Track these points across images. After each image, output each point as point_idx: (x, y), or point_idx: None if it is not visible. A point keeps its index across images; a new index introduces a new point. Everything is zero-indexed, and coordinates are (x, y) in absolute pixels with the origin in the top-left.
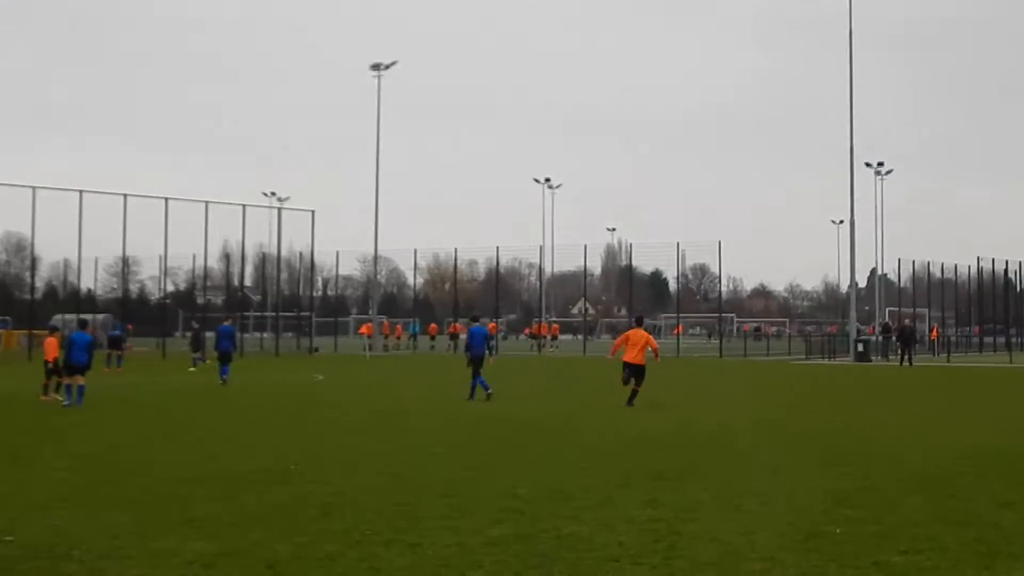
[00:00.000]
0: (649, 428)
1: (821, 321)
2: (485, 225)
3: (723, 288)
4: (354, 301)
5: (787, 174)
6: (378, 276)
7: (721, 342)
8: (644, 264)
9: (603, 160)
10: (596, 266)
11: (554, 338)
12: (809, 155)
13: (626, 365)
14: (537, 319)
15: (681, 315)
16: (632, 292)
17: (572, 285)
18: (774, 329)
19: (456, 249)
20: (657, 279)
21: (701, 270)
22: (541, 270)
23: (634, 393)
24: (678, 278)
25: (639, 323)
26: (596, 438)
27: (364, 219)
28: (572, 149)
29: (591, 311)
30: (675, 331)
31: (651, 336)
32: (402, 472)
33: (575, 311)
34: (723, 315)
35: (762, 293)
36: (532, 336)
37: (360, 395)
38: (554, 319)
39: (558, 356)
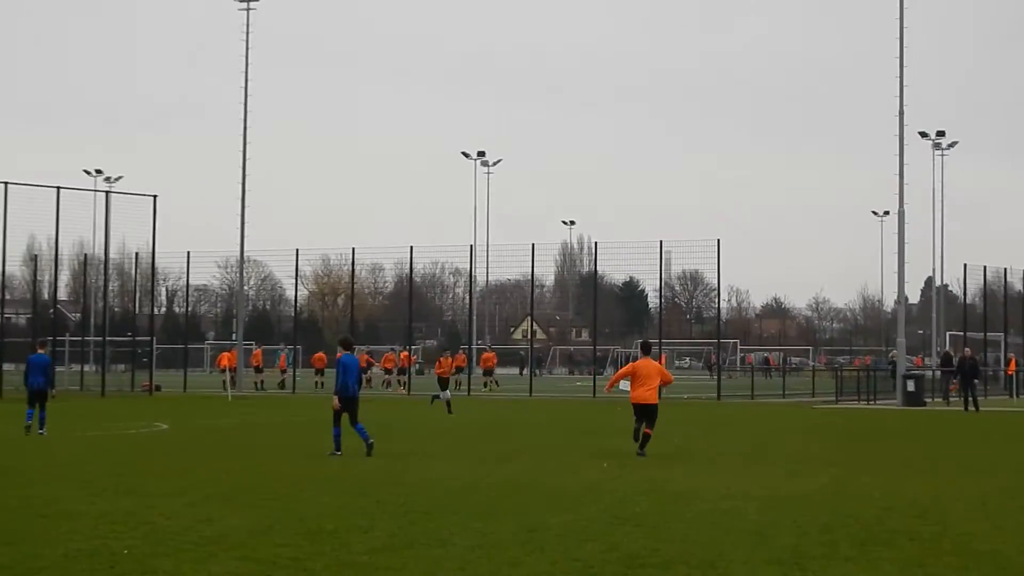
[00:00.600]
0: (626, 503)
1: (857, 349)
2: (395, 218)
3: (723, 304)
4: (212, 321)
5: (811, 151)
6: (245, 287)
7: (719, 378)
8: (614, 271)
9: (557, 130)
10: (548, 273)
11: (488, 372)
12: (842, 126)
13: (635, 406)
14: (464, 346)
15: (665, 341)
16: (597, 309)
17: (515, 300)
18: (796, 360)
19: (354, 249)
20: (632, 291)
21: (692, 279)
22: (471, 279)
23: (645, 437)
24: (661, 290)
25: (647, 351)
26: (544, 514)
27: (228, 209)
28: (514, 115)
29: (541, 335)
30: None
31: (665, 368)
32: None
33: (518, 335)
34: (723, 341)
35: (776, 311)
36: (440, 378)
37: (211, 456)
38: (489, 346)
39: (495, 397)
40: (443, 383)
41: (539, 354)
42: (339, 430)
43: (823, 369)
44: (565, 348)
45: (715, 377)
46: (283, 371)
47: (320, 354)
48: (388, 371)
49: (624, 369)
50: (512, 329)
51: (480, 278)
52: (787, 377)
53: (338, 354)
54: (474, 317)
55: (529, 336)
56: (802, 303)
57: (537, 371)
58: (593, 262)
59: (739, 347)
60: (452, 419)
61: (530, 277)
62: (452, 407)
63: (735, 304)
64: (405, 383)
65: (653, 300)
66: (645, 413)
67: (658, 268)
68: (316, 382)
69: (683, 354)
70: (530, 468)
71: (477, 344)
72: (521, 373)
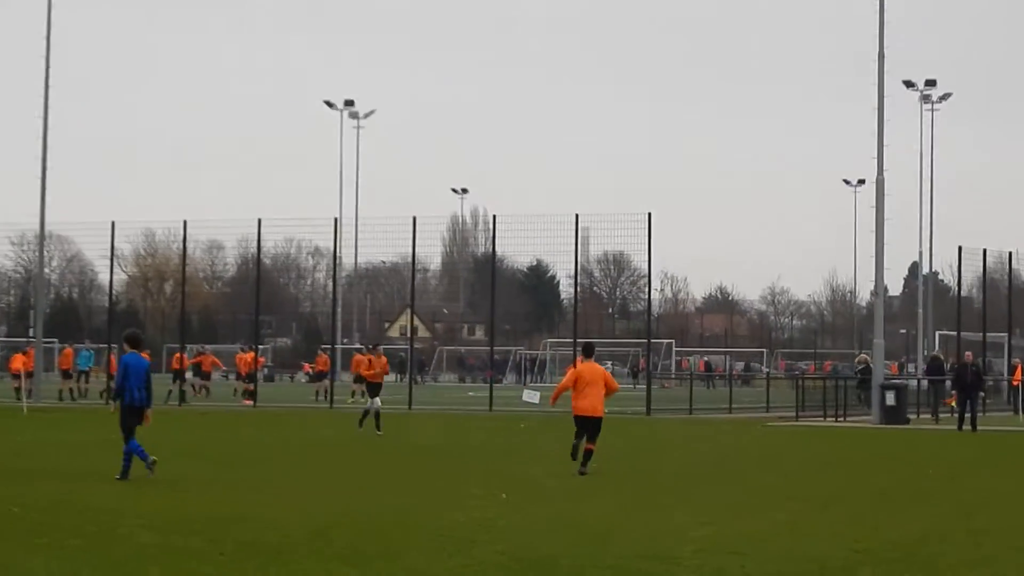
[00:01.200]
0: (530, 545)
1: (824, 352)
2: (239, 185)
3: (655, 295)
4: (2, 313)
5: (770, 102)
6: (46, 269)
7: (649, 388)
8: (517, 252)
9: (446, 77)
10: (434, 255)
11: (361, 379)
12: (806, 75)
13: (578, 419)
14: (325, 347)
15: (582, 342)
16: (495, 300)
17: (391, 287)
18: (745, 366)
19: (185, 223)
20: (540, 278)
21: (617, 263)
22: (336, 260)
23: (587, 454)
24: (576, 276)
25: (589, 354)
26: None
27: (24, 171)
28: (391, 57)
29: (424, 332)
30: (570, 367)
31: (609, 373)
32: None
33: (395, 332)
34: (654, 341)
35: (722, 304)
36: (370, 384)
37: None
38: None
39: (348, 409)
40: (374, 390)
41: (421, 356)
42: (133, 447)
43: (780, 377)
44: (454, 349)
45: (644, 386)
46: (67, 373)
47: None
48: (242, 377)
49: (567, 377)
50: (387, 325)
51: (347, 259)
52: (735, 387)
53: (121, 353)
54: (339, 309)
55: (409, 334)
56: (755, 294)
57: (418, 377)
58: (490, 240)
59: (675, 349)
60: (312, 440)
61: (411, 259)
62: (382, 424)
63: (670, 295)
64: (251, 392)
65: (567, 289)
66: (589, 426)
67: (573, 249)
68: (169, 391)
69: (604, 358)
70: (409, 499)
71: (344, 343)
72: (400, 380)
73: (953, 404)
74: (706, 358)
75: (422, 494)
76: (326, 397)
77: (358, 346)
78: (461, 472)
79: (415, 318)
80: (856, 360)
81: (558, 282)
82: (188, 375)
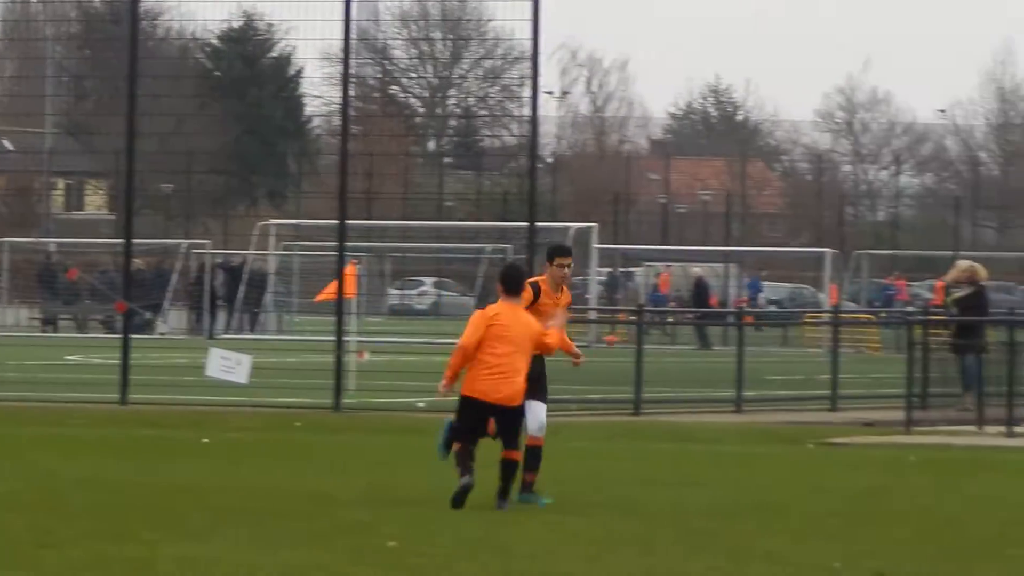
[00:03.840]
0: None
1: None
2: None
3: (545, 103)
4: None
5: None
6: None
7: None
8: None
9: None
10: None
11: None
12: None
13: (477, 407)
14: None
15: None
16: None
17: None
18: (767, 292)
19: None
20: (251, 63)
21: (456, 30)
22: None
23: (509, 467)
24: (347, 56)
25: (512, 287)
26: None
27: None
28: None
29: None
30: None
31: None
32: None
33: None
34: (548, 225)
35: (715, 130)
36: None
37: None
38: None
39: None
40: None
41: None
42: None
43: (864, 318)
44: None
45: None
46: None
47: None
48: None
49: (471, 330)
50: None
51: None
52: (752, 344)
53: None
54: None
55: None
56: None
57: None
58: None
59: (621, 248)
60: None
61: None
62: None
63: (590, 111)
64: None
65: (321, 89)
66: (502, 421)
67: None
68: None
69: (424, 268)
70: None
71: None
72: None
73: None
74: (696, 267)
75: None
76: None
77: None
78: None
79: None
80: (950, 278)
81: (298, 72)
82: None
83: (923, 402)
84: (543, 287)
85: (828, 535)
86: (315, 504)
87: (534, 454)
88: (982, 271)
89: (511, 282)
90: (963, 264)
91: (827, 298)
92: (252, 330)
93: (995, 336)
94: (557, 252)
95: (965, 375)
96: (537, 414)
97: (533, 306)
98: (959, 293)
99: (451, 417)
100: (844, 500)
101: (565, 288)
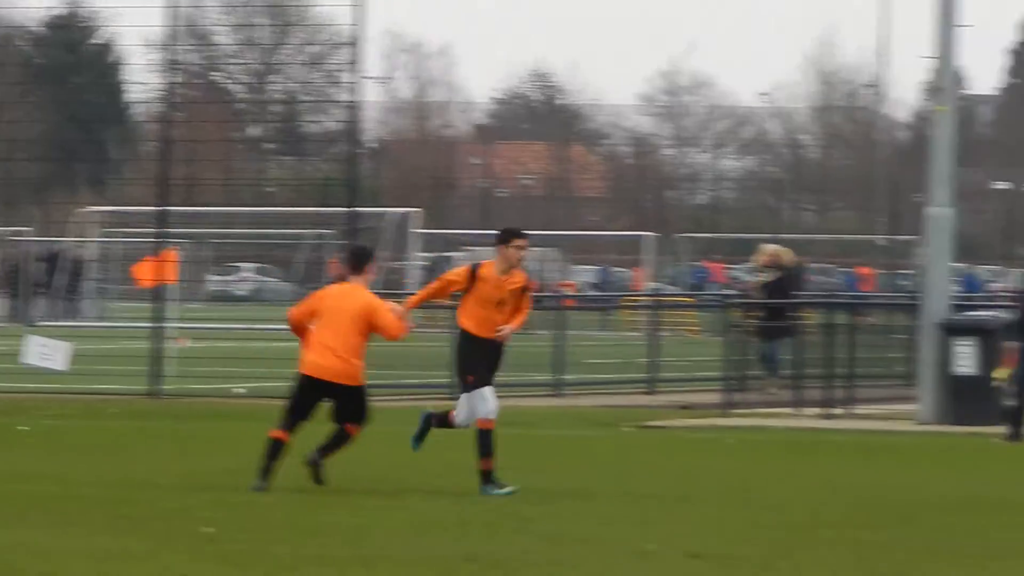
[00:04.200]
0: None
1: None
2: None
3: (370, 82)
4: None
5: None
6: None
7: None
8: None
9: None
10: None
11: None
12: None
13: (308, 383)
14: None
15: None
16: None
17: None
18: (588, 275)
19: None
20: (74, 47)
21: (282, 14)
22: None
23: (339, 438)
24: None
25: (358, 264)
26: None
27: None
28: None
29: None
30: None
31: (383, 306)
32: None
33: None
34: (378, 211)
35: (538, 114)
36: None
37: None
38: None
39: None
40: None
41: None
42: None
43: (686, 302)
44: None
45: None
46: None
47: None
48: None
49: (302, 307)
50: None
51: None
52: (570, 327)
53: None
54: None
55: None
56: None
57: None
58: None
59: (449, 235)
60: None
61: None
62: None
63: (414, 94)
64: None
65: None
66: (341, 399)
67: None
68: None
69: (246, 255)
70: None
71: None
72: None
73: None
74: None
75: None
76: None
77: None
78: None
79: None
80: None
81: (120, 59)
82: None
83: (741, 385)
84: (483, 272)
85: (643, 518)
86: (130, 490)
87: (485, 438)
88: (787, 255)
89: (353, 260)
90: (768, 248)
91: (633, 282)
92: (71, 317)
93: (814, 318)
94: (514, 234)
95: (766, 360)
96: (487, 397)
97: (471, 290)
98: (765, 278)
99: (428, 408)
100: (659, 483)
101: (517, 271)
